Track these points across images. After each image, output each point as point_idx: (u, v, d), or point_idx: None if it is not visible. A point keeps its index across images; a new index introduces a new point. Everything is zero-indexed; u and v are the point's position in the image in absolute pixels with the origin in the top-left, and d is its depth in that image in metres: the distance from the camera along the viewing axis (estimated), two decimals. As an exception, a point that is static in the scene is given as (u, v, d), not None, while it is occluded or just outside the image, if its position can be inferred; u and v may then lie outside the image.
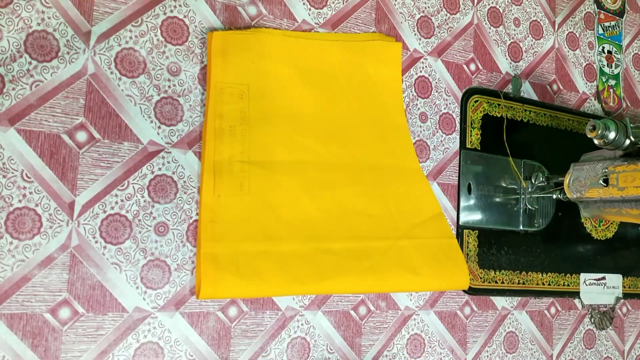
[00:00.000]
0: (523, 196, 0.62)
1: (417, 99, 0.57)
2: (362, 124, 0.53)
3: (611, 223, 0.69)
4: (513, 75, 0.63)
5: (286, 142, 0.49)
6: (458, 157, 0.59)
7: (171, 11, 0.46)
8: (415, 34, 0.58)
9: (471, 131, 0.60)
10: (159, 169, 0.45)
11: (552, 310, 0.64)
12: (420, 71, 0.58)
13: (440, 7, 0.60)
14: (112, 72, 0.44)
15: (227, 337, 0.46)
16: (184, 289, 0.45)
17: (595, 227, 0.68)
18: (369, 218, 0.51)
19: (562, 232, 0.65)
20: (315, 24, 0.53)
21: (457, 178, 0.58)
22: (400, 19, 0.57)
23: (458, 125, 0.59)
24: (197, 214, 0.46)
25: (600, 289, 0.67)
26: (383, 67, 0.55)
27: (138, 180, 0.44)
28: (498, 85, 0.63)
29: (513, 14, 0.65)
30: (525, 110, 0.64)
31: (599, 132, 0.49)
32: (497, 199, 0.60)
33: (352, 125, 0.53)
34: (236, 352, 0.46)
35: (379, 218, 0.52)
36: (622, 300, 0.69)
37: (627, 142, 0.50)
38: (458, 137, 0.59)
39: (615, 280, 0.68)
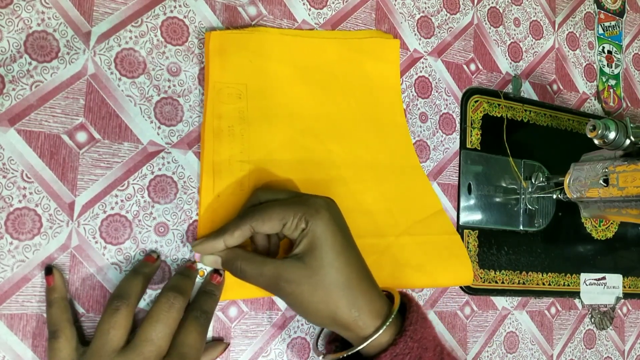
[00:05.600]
0: (523, 196, 0.62)
1: (417, 99, 0.57)
2: (361, 122, 0.53)
3: (611, 223, 0.69)
4: (513, 75, 0.63)
5: (285, 141, 0.49)
6: (458, 157, 0.59)
7: (171, 11, 0.46)
8: (415, 34, 0.58)
9: (471, 131, 0.60)
10: (159, 169, 0.45)
11: (553, 310, 0.64)
12: (420, 71, 0.58)
13: (440, 7, 0.60)
14: (112, 73, 0.44)
15: (227, 337, 0.46)
16: (184, 289, 0.45)
17: (595, 227, 0.68)
18: (369, 216, 0.51)
19: (562, 232, 0.65)
20: (315, 24, 0.53)
21: (457, 178, 0.58)
22: (400, 19, 0.57)
23: (458, 125, 0.59)
24: (197, 214, 0.46)
25: (600, 289, 0.67)
26: (381, 64, 0.55)
27: (138, 181, 0.44)
28: (498, 85, 0.63)
29: (513, 14, 0.65)
30: (526, 110, 0.64)
31: (599, 132, 0.49)
32: (497, 199, 0.60)
33: (351, 123, 0.53)
34: (236, 352, 0.46)
35: (379, 215, 0.52)
36: (623, 300, 0.69)
37: (628, 142, 0.50)
38: (458, 137, 0.59)
39: (615, 280, 0.68)
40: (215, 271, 0.44)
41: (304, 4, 0.52)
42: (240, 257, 0.41)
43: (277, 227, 0.41)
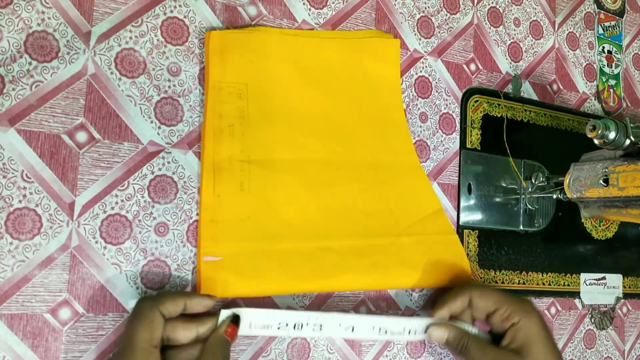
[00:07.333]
0: (523, 196, 0.62)
1: (417, 99, 0.57)
2: (362, 122, 0.53)
3: (611, 223, 0.69)
4: (513, 75, 0.63)
5: (286, 140, 0.49)
6: (458, 157, 0.59)
7: (171, 11, 0.46)
8: (415, 34, 0.58)
9: (471, 131, 0.60)
10: (159, 169, 0.45)
11: (553, 310, 0.64)
12: (420, 71, 0.58)
13: (440, 7, 0.60)
14: (112, 73, 0.44)
15: (227, 337, 0.46)
16: (184, 289, 0.45)
17: (595, 227, 0.68)
18: (369, 215, 0.51)
19: (562, 232, 0.65)
20: (316, 24, 0.53)
21: (457, 178, 0.58)
22: (400, 19, 0.57)
23: (458, 125, 0.59)
24: (197, 214, 0.46)
25: (600, 288, 0.67)
26: (382, 64, 0.55)
27: (138, 181, 0.44)
28: (498, 85, 0.63)
29: (513, 14, 0.65)
30: (525, 110, 0.64)
31: (599, 132, 0.49)
32: (497, 199, 0.60)
33: (351, 123, 0.53)
34: (236, 352, 0.46)
35: (380, 215, 0.52)
36: (623, 300, 0.69)
37: (628, 142, 0.50)
38: (458, 137, 0.59)
39: (615, 280, 0.68)
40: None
41: (304, 4, 0.52)
42: (467, 336, 0.48)
43: (490, 307, 0.48)
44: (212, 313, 0.42)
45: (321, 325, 0.46)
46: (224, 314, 0.42)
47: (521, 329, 0.46)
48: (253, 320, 0.43)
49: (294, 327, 0.45)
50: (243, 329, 0.43)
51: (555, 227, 0.64)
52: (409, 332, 0.49)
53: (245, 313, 0.43)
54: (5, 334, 0.39)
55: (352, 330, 0.47)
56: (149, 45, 0.45)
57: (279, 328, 0.44)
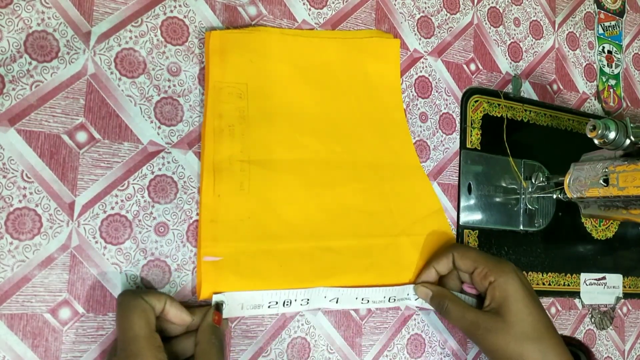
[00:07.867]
0: (523, 196, 0.62)
1: (417, 99, 0.57)
2: (362, 122, 0.53)
3: (611, 223, 0.69)
4: (513, 75, 0.63)
5: (286, 140, 0.49)
6: (458, 157, 0.59)
7: (171, 11, 0.46)
8: (415, 34, 0.58)
9: (471, 131, 0.60)
10: (159, 169, 0.45)
11: (553, 310, 0.64)
12: (420, 71, 0.58)
13: (440, 7, 0.60)
14: (112, 73, 0.44)
15: (227, 337, 0.46)
16: (184, 289, 0.45)
17: (595, 227, 0.68)
18: (369, 216, 0.51)
19: (562, 232, 0.65)
20: (315, 24, 0.53)
21: (457, 178, 0.58)
22: (400, 19, 0.57)
23: (458, 125, 0.59)
24: (197, 214, 0.46)
25: (600, 288, 0.67)
26: (382, 64, 0.55)
27: (138, 181, 0.44)
28: (498, 85, 0.63)
29: (513, 14, 0.65)
30: (525, 110, 0.64)
31: (599, 132, 0.49)
32: (497, 199, 0.60)
33: (351, 123, 0.53)
34: (236, 352, 0.46)
35: (379, 215, 0.52)
36: (623, 300, 0.69)
37: (628, 142, 0.50)
38: (458, 137, 0.59)
39: (615, 280, 0.68)
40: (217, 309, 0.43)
41: (304, 4, 0.52)
42: (448, 297, 0.49)
43: (469, 266, 0.49)
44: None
45: (308, 300, 0.47)
46: (215, 298, 0.43)
47: (498, 287, 0.47)
48: (245, 302, 0.44)
49: (284, 304, 0.46)
50: (236, 311, 0.44)
51: (555, 227, 0.64)
52: (389, 300, 0.50)
53: (236, 296, 0.44)
54: (5, 334, 0.39)
55: (337, 301, 0.48)
56: (149, 45, 0.45)
57: (269, 307, 0.46)
